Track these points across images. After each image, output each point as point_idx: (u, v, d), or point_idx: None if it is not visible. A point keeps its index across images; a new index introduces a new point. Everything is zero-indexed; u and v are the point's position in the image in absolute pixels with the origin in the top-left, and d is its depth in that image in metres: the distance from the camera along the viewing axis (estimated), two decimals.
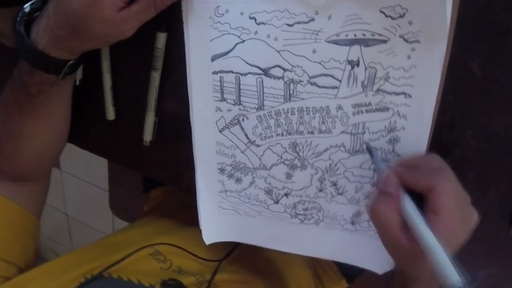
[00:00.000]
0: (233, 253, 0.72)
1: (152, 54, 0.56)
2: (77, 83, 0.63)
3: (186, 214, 0.78)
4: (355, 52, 0.46)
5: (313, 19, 0.46)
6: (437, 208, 0.39)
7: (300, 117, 0.51)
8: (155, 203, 0.96)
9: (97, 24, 0.47)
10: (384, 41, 0.45)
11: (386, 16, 0.44)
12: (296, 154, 0.53)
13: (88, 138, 0.70)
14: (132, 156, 0.67)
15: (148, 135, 0.62)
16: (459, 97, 0.47)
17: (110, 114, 0.64)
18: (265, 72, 0.50)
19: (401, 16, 0.43)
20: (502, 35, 0.43)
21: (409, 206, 0.40)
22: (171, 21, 0.54)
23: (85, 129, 0.69)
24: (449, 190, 0.40)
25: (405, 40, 0.44)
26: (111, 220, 1.63)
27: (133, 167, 0.69)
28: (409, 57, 0.45)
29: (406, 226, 0.41)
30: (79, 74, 0.63)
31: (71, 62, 0.52)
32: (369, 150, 0.50)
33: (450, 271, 0.37)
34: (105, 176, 1.53)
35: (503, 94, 0.45)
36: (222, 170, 0.58)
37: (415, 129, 0.48)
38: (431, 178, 0.40)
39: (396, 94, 0.47)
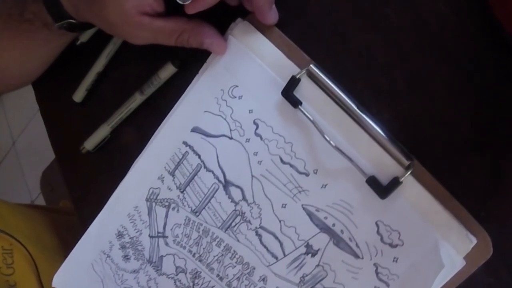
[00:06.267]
0: None
1: (149, 78, 0.48)
2: (77, 43, 0.56)
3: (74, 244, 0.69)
4: (320, 241, 0.37)
5: (307, 175, 0.37)
6: None
7: (222, 255, 0.41)
8: (69, 208, 0.86)
9: (113, 10, 0.41)
10: (356, 256, 0.35)
11: (378, 232, 0.35)
12: (191, 284, 0.43)
13: (48, 105, 0.62)
14: (64, 150, 0.58)
15: (90, 144, 0.53)
16: None
17: (78, 96, 0.56)
18: (226, 184, 0.41)
19: (391, 246, 0.34)
20: None
21: None
22: (189, 63, 0.47)
23: (53, 97, 0.60)
24: None
25: (376, 273, 0.35)
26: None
27: (58, 161, 0.60)
28: None
29: None
30: (84, 37, 0.56)
31: (71, 20, 0.46)
32: None
33: None
34: None
35: None
36: (120, 235, 0.48)
37: None
38: None
39: None
